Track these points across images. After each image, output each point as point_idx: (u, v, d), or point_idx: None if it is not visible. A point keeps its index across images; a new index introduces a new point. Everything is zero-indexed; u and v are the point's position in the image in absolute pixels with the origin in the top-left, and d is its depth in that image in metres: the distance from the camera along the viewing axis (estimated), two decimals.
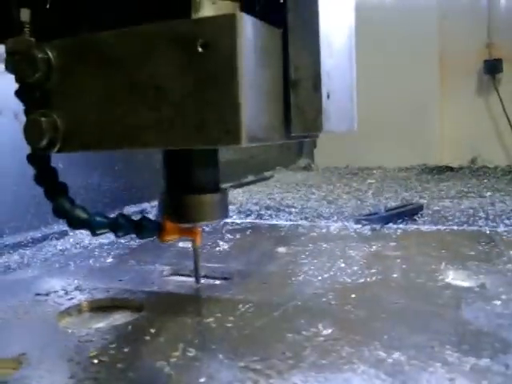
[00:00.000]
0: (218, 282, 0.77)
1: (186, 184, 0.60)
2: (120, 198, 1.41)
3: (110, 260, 0.95)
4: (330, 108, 0.51)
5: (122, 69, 0.48)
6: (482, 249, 0.93)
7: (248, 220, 1.27)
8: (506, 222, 1.17)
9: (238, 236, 1.07)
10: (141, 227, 0.63)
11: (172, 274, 0.84)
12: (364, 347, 0.53)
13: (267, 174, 2.05)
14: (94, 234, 0.61)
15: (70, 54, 0.51)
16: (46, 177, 0.60)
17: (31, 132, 0.51)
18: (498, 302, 0.65)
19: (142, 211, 1.36)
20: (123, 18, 0.51)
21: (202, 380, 0.48)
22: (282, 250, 0.94)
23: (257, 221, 1.27)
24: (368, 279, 0.76)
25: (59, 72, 0.51)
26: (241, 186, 1.82)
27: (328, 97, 0.51)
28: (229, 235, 1.06)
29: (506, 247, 0.93)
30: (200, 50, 0.44)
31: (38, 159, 0.59)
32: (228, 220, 1.26)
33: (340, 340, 0.55)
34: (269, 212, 1.37)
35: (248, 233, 1.12)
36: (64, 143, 0.51)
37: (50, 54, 0.51)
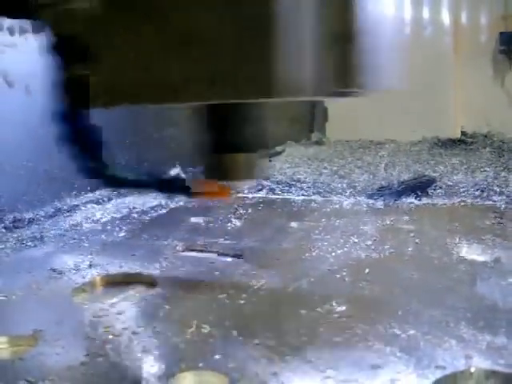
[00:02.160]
0: (230, 258, 0.77)
1: (220, 142, 0.59)
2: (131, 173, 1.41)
3: (122, 234, 0.95)
4: (371, 64, 0.49)
5: (159, 18, 0.46)
6: (496, 223, 0.92)
7: (260, 195, 1.26)
8: None
9: (250, 211, 1.06)
10: (173, 183, 0.62)
11: (185, 250, 0.84)
12: (378, 324, 0.53)
13: (278, 148, 2.04)
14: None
15: (112, 4, 0.48)
16: (83, 134, 0.58)
17: (71, 87, 0.50)
18: None
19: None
20: None
21: (217, 357, 0.48)
22: (294, 225, 0.94)
23: (269, 196, 1.26)
24: (382, 254, 0.76)
25: (99, 23, 0.49)
26: None
27: (369, 52, 0.49)
28: (241, 210, 1.06)
29: None
30: None
31: (76, 116, 0.56)
32: (239, 195, 1.26)
33: (354, 317, 0.55)
34: (280, 187, 1.36)
35: (260, 208, 1.11)
36: (106, 98, 0.50)
37: (89, 4, 0.49)
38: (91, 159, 0.59)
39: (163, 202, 1.20)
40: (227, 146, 0.58)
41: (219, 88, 0.45)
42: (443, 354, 0.48)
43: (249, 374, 0.45)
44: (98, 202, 1.23)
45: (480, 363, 0.46)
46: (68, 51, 0.51)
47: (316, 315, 0.55)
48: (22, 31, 1.06)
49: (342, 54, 0.48)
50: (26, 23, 1.04)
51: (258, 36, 0.43)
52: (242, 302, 0.60)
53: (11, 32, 1.04)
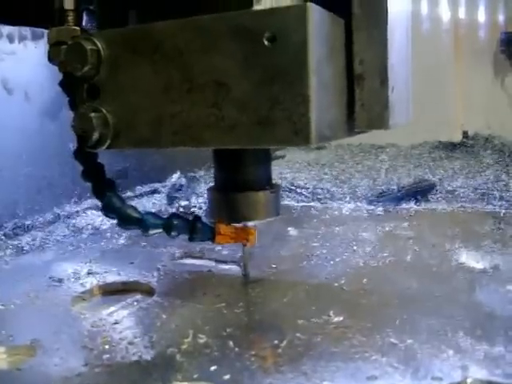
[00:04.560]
0: (228, 266, 0.77)
1: (239, 181, 0.58)
2: (131, 178, 1.41)
3: (121, 242, 0.96)
4: (394, 102, 0.49)
5: (180, 62, 0.46)
6: (495, 229, 0.92)
7: None
8: None
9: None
10: (195, 229, 0.61)
11: (183, 257, 0.84)
12: (376, 334, 0.53)
13: (279, 153, 2.04)
14: (145, 234, 0.60)
15: (121, 46, 0.48)
16: (93, 173, 0.59)
17: (80, 127, 0.49)
18: None
19: (153, 191, 1.36)
20: (176, 7, 0.48)
21: (213, 368, 0.48)
22: (293, 232, 0.94)
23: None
24: (380, 262, 0.76)
25: (109, 65, 0.48)
26: None
27: (392, 90, 0.49)
28: None
29: None
30: (266, 43, 0.42)
31: (86, 155, 0.57)
32: None
33: (351, 327, 0.54)
34: (280, 193, 1.36)
35: None
36: (114, 140, 0.49)
37: (99, 45, 0.48)
38: (103, 197, 0.59)
39: (163, 208, 1.20)
40: (240, 184, 0.57)
41: (237, 134, 0.44)
42: (440, 364, 0.47)
43: None
44: (97, 209, 1.23)
45: (477, 373, 0.45)
46: (76, 90, 0.51)
47: (313, 325, 0.55)
48: (22, 38, 1.06)
49: (366, 94, 0.47)
50: (25, 30, 1.04)
51: (287, 80, 0.42)
52: (239, 311, 0.60)
53: (11, 40, 1.04)
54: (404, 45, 0.54)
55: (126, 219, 0.59)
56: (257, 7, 0.44)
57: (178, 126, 0.46)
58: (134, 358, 0.51)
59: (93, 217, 1.17)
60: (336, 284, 0.67)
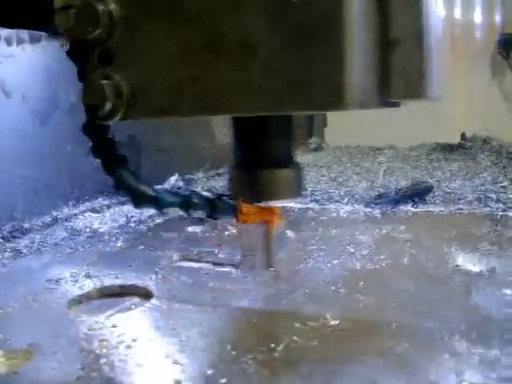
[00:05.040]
0: (226, 268, 0.77)
1: (261, 158, 0.52)
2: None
3: (119, 244, 0.96)
4: (430, 71, 0.44)
5: (201, 22, 0.41)
6: (492, 232, 0.92)
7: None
8: None
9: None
10: (215, 207, 0.55)
11: (181, 260, 0.84)
12: (372, 337, 0.53)
13: None
14: (161, 212, 0.55)
15: (136, 6, 0.44)
16: (103, 148, 0.54)
17: (90, 97, 0.44)
18: (509, 291, 0.64)
19: None
20: None
21: (210, 372, 0.48)
22: (291, 234, 0.94)
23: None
24: (377, 265, 0.76)
25: (123, 27, 0.44)
26: None
27: (429, 58, 0.44)
28: None
29: None
30: None
31: (96, 128, 0.53)
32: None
33: (348, 330, 0.55)
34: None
35: None
36: (129, 109, 0.44)
37: (111, 5, 0.44)
38: (113, 173, 0.54)
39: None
40: (261, 161, 0.52)
41: (266, 98, 0.40)
42: (436, 368, 0.48)
43: None
44: (95, 211, 1.23)
45: (472, 377, 0.46)
46: (86, 56, 0.46)
47: (309, 328, 0.56)
48: (20, 41, 1.06)
49: (402, 60, 0.43)
50: (23, 33, 1.04)
51: (320, 36, 0.38)
52: (237, 314, 0.61)
53: (9, 42, 1.05)
54: (433, 9, 0.46)
55: (140, 197, 0.54)
56: None
57: (200, 91, 0.42)
58: (132, 362, 0.51)
59: (91, 219, 1.17)
60: (333, 287, 0.68)
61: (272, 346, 0.52)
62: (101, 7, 0.44)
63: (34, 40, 1.08)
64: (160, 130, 1.48)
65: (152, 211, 1.21)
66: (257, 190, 0.53)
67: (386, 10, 0.42)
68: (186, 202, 0.55)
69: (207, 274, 0.76)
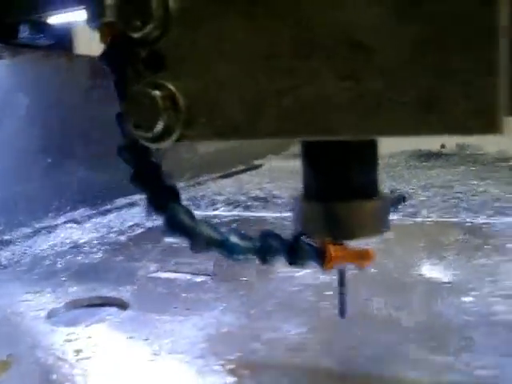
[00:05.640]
0: (200, 278, 0.80)
1: (349, 186, 0.43)
2: (110, 190, 1.43)
3: (98, 256, 0.98)
4: None
5: (293, 16, 0.32)
6: (460, 241, 0.96)
7: (235, 212, 1.29)
8: (488, 212, 1.20)
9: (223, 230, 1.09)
10: (297, 250, 0.44)
11: (158, 271, 0.86)
12: (335, 345, 0.56)
13: (257, 162, 2.07)
14: (230, 258, 0.44)
15: None
16: (149, 177, 0.43)
17: (138, 113, 0.34)
18: (469, 299, 0.68)
19: (132, 204, 1.39)
20: None
21: (177, 379, 0.51)
22: None
23: (244, 213, 1.29)
24: (346, 274, 0.78)
25: (182, 22, 0.34)
26: (230, 175, 1.84)
27: None
28: None
29: (484, 240, 0.95)
30: None
31: (139, 151, 0.41)
32: (214, 212, 1.29)
33: (313, 338, 0.58)
34: (257, 203, 1.39)
35: (234, 226, 1.14)
36: (187, 128, 0.35)
37: None
38: (165, 211, 0.43)
39: (141, 221, 1.23)
40: (344, 191, 0.43)
41: (385, 117, 0.31)
42: (394, 374, 0.51)
43: None
44: (77, 222, 1.25)
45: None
46: (131, 59, 0.36)
47: (277, 336, 0.58)
48: None
49: None
50: (2, 50, 1.07)
51: (474, 40, 0.29)
52: (209, 321, 0.63)
53: None
54: None
55: (203, 240, 0.42)
56: None
57: (289, 107, 0.33)
58: (108, 371, 0.54)
59: (72, 230, 1.19)
60: (302, 296, 0.70)
61: (240, 354, 0.55)
62: None
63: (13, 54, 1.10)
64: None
65: (132, 222, 1.24)
66: (345, 226, 0.43)
67: None
68: (262, 247, 0.43)
69: (182, 284, 0.78)
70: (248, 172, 1.97)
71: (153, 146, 0.37)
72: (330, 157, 0.43)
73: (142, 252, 0.97)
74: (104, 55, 0.38)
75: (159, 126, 0.34)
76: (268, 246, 0.44)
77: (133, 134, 0.36)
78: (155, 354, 0.56)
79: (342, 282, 0.51)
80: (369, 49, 0.31)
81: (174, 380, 0.51)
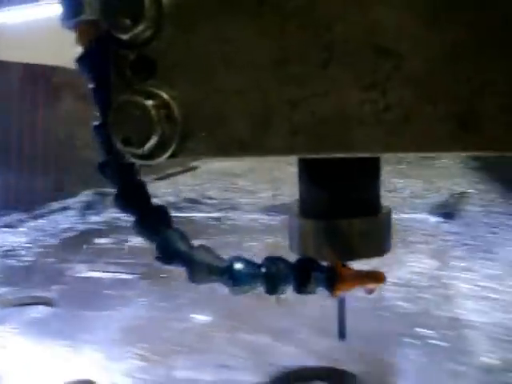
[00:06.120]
0: (126, 276, 0.86)
1: (354, 202, 0.39)
2: (44, 195, 1.46)
3: (30, 258, 1.02)
4: None
5: (308, 16, 0.28)
6: None
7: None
8: (401, 209, 1.29)
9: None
10: (306, 276, 0.38)
11: (87, 271, 0.92)
12: (238, 332, 0.64)
13: (194, 164, 2.12)
14: (234, 288, 0.37)
15: None
16: (136, 197, 0.37)
17: (127, 126, 0.29)
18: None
19: (65, 208, 1.42)
20: None
21: (95, 369, 0.57)
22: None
23: (175, 214, 1.35)
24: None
25: (176, 22, 0.29)
26: (166, 177, 1.89)
27: None
28: None
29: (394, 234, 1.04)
30: None
31: (125, 169, 0.36)
32: None
33: (217, 326, 0.65)
34: (188, 205, 1.46)
35: None
36: (184, 143, 0.30)
37: None
38: (156, 236, 0.37)
39: (74, 224, 1.27)
40: (348, 207, 0.39)
41: (415, 132, 0.28)
42: (283, 356, 0.58)
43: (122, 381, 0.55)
44: (11, 226, 1.28)
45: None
46: (119, 64, 0.30)
47: (186, 326, 0.65)
48: None
49: None
50: None
51: None
52: (127, 315, 0.70)
53: None
54: None
55: (203, 269, 0.37)
56: None
57: (303, 120, 0.29)
58: (35, 366, 0.59)
59: (5, 234, 1.22)
60: (212, 290, 0.77)
61: (152, 342, 0.62)
62: None
63: None
64: (75, 143, 1.53)
65: (66, 225, 1.28)
66: (350, 246, 0.39)
67: None
68: (270, 274, 0.38)
69: (108, 282, 0.84)
70: (184, 174, 2.02)
71: (143, 163, 0.32)
72: (333, 171, 0.39)
73: (73, 253, 1.02)
74: (83, 59, 0.32)
75: (152, 141, 0.29)
76: (276, 274, 0.37)
77: (120, 150, 0.30)
78: (71, 346, 0.62)
79: (341, 305, 0.47)
80: (397, 55, 0.27)
81: (90, 367, 0.57)
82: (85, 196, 1.46)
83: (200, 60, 0.29)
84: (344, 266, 0.39)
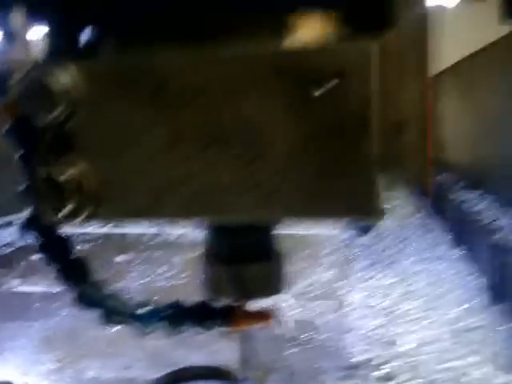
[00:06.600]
0: (56, 290, 0.94)
1: (251, 249, 0.44)
2: None
3: None
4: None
5: (195, 108, 0.33)
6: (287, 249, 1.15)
7: (102, 230, 1.43)
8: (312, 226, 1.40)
9: (87, 247, 1.24)
10: (205, 316, 0.44)
11: (19, 286, 1.00)
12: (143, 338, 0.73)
13: None
14: (143, 331, 0.43)
15: (107, 82, 0.34)
16: (58, 250, 0.42)
17: (48, 195, 0.34)
18: None
19: (9, 223, 1.49)
20: (177, 32, 0.36)
21: (15, 371, 0.66)
22: (120, 258, 1.12)
23: (111, 230, 1.43)
24: (179, 282, 0.96)
25: (89, 107, 0.34)
26: None
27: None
28: (79, 247, 1.23)
29: (304, 249, 1.15)
30: (321, 88, 0.32)
31: (47, 226, 0.40)
32: (82, 230, 1.43)
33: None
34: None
35: (98, 243, 1.29)
36: (96, 209, 0.35)
37: (72, 80, 0.34)
38: (76, 285, 0.43)
39: (13, 240, 1.34)
40: (245, 254, 0.43)
41: (277, 203, 0.33)
42: (178, 355, 0.68)
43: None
44: None
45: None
46: (38, 142, 0.35)
47: (98, 333, 0.74)
48: None
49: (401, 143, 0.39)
50: None
51: (354, 136, 0.32)
52: (51, 326, 0.78)
53: None
54: None
55: (115, 314, 0.43)
56: (295, 39, 0.36)
57: (191, 192, 0.34)
58: None
59: None
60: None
61: (67, 348, 0.70)
62: (60, 83, 0.34)
63: None
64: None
65: (6, 241, 1.35)
66: (248, 288, 0.44)
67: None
68: (173, 316, 0.43)
69: (38, 296, 0.92)
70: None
71: (62, 224, 0.37)
72: (231, 227, 0.42)
73: (8, 269, 1.09)
74: (7, 133, 0.37)
75: (67, 209, 0.34)
76: (179, 316, 0.43)
77: (43, 215, 0.35)
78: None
79: (244, 340, 0.53)
80: (265, 140, 0.33)
81: (11, 370, 0.66)
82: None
83: (107, 139, 0.34)
84: (239, 307, 0.44)
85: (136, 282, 0.96)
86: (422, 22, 0.38)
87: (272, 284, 0.44)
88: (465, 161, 1.53)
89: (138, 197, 0.34)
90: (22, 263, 1.13)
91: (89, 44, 0.38)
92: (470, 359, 0.67)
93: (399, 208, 1.60)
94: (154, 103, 0.33)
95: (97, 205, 0.34)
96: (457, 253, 1.11)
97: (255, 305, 0.45)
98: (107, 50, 0.37)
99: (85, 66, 0.34)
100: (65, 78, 0.33)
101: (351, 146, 0.32)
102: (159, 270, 1.02)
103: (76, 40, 0.39)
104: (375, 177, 0.32)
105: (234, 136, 0.32)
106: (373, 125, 0.32)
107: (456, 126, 1.61)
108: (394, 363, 0.66)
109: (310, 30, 0.37)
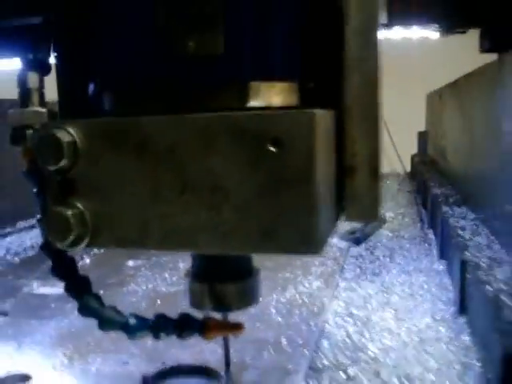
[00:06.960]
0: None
1: (224, 269, 0.53)
2: (12, 214, 1.63)
3: None
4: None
5: (171, 162, 0.41)
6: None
7: None
8: None
9: (100, 251, 1.34)
10: (183, 326, 0.55)
11: (40, 287, 1.11)
12: None
13: None
14: (131, 338, 0.55)
15: (101, 139, 0.42)
16: (65, 270, 0.55)
17: (55, 228, 0.42)
18: None
19: (32, 226, 1.61)
20: (162, 99, 0.44)
21: (31, 363, 0.77)
22: (130, 263, 1.23)
23: None
24: (180, 288, 1.06)
25: (88, 158, 0.42)
26: None
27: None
28: (95, 251, 1.34)
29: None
30: (271, 148, 0.39)
31: (56, 251, 0.53)
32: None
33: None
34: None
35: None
36: (94, 238, 0.43)
37: (75, 136, 0.42)
38: (79, 298, 0.55)
39: (36, 243, 1.46)
40: (222, 274, 0.53)
41: (236, 240, 0.40)
42: (171, 354, 0.78)
43: (50, 373, 0.74)
44: None
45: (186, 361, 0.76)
46: (48, 185, 0.44)
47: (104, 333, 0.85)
48: None
49: (358, 187, 0.45)
50: None
51: (292, 187, 0.39)
52: (64, 324, 0.90)
53: None
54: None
55: (108, 322, 0.55)
56: (255, 105, 0.44)
57: (169, 229, 0.41)
58: None
59: None
60: (139, 305, 0.97)
61: (76, 345, 0.81)
62: (65, 139, 0.42)
63: None
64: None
65: (29, 244, 1.47)
66: (220, 302, 0.54)
67: (341, 137, 0.45)
68: (156, 325, 0.55)
69: (55, 297, 1.03)
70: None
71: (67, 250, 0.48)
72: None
73: (31, 271, 1.21)
74: (25, 174, 0.49)
75: (70, 239, 0.42)
76: (161, 325, 0.54)
77: (54, 243, 0.43)
78: (15, 346, 0.82)
79: (226, 344, 0.62)
80: (226, 190, 0.40)
81: (30, 362, 0.77)
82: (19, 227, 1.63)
83: (104, 185, 0.42)
84: (211, 318, 0.55)
85: (143, 286, 1.07)
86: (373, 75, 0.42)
87: (247, 298, 0.53)
88: (460, 174, 1.61)
89: (127, 231, 0.42)
90: (43, 266, 1.23)
91: (92, 100, 0.47)
92: (428, 365, 0.76)
93: (395, 220, 1.69)
94: (140, 156, 0.41)
95: (94, 235, 0.42)
96: (439, 266, 1.20)
97: (231, 316, 0.55)
98: (105, 108, 0.46)
99: (84, 123, 0.42)
100: (70, 133, 0.41)
101: (296, 195, 0.38)
102: (165, 275, 1.12)
103: (82, 96, 0.49)
104: (317, 220, 0.38)
105: (203, 184, 0.40)
106: (317, 178, 0.38)
107: (454, 139, 1.69)
108: (358, 366, 0.76)
109: (267, 97, 0.44)
